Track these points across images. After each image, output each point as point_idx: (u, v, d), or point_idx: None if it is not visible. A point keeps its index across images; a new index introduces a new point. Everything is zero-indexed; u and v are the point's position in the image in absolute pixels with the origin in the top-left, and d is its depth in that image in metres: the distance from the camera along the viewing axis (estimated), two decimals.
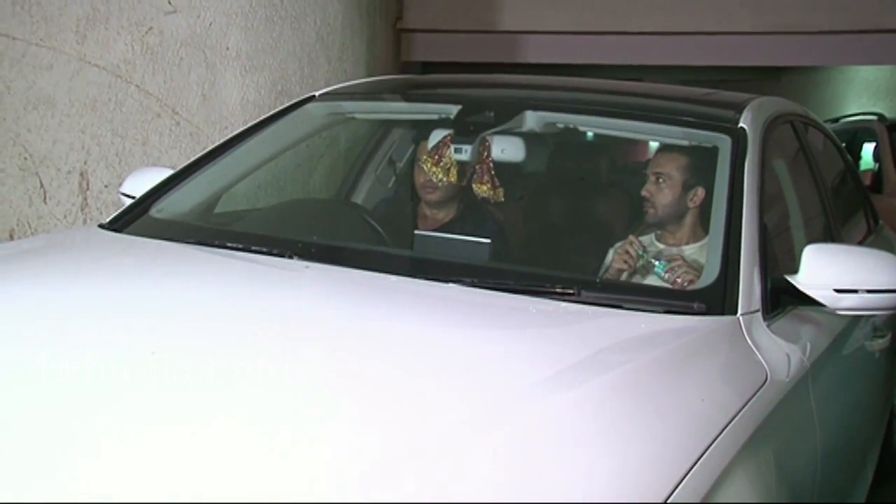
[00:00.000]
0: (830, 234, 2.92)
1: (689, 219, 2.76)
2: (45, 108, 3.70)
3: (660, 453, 1.34)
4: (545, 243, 2.80)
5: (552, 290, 1.91)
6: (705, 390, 1.60)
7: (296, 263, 2.01)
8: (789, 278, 2.08)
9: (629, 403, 1.47)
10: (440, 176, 2.75)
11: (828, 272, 2.08)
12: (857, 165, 7.37)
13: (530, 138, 2.71)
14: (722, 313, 1.90)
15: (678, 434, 1.42)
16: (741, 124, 2.44)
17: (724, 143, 2.39)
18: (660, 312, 1.87)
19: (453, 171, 2.76)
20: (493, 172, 2.71)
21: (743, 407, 1.59)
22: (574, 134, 2.81)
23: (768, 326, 1.96)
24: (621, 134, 2.76)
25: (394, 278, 1.94)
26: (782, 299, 2.09)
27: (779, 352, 1.90)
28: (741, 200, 2.17)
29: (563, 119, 2.74)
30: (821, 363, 2.08)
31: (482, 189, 2.73)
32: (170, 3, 3.90)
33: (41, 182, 3.82)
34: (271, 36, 4.25)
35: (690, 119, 2.60)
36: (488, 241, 2.35)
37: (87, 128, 3.76)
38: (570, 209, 2.95)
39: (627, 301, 1.91)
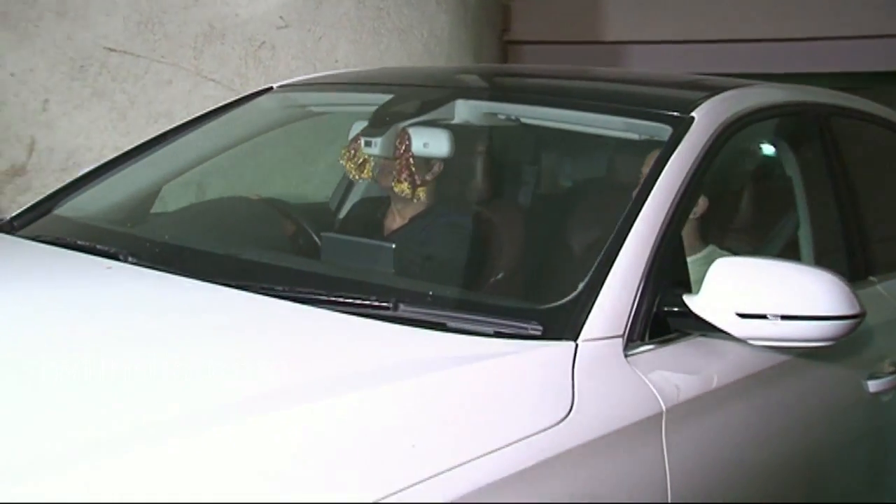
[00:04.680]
0: (854, 255, 2.44)
1: (689, 230, 2.42)
2: (165, 121, 3.77)
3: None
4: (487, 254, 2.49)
5: (366, 302, 1.66)
6: (457, 422, 1.35)
7: (116, 265, 1.86)
8: (687, 299, 1.74)
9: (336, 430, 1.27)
10: (353, 172, 2.52)
11: (732, 292, 1.72)
12: None
13: (458, 130, 2.44)
14: (560, 338, 1.58)
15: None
16: (694, 113, 2.06)
17: (664, 134, 2.03)
18: (488, 335, 1.59)
19: (367, 166, 2.52)
20: (413, 169, 2.45)
21: (508, 445, 1.33)
22: (513, 126, 2.50)
23: (631, 356, 1.61)
24: (557, 125, 2.43)
25: (190, 283, 1.74)
26: (678, 324, 1.75)
27: (624, 387, 1.57)
28: (642, 202, 1.83)
29: (497, 109, 2.44)
30: (704, 406, 1.68)
31: (400, 188, 2.47)
32: (281, 18, 4.05)
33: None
34: (378, 48, 4.34)
35: (638, 107, 2.24)
36: (391, 245, 2.11)
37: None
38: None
39: (453, 319, 1.62)
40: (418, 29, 4.63)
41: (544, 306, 1.66)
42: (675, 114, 2.08)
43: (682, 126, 2.03)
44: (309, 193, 3.30)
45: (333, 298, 1.67)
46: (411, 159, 2.41)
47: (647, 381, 1.59)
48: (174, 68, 3.87)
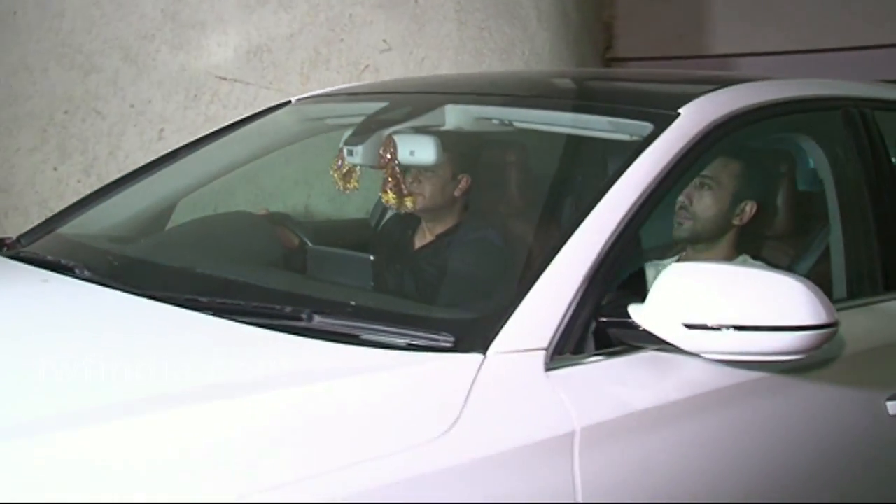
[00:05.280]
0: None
1: (728, 238, 2.26)
2: None
3: None
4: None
5: (282, 314, 1.58)
6: (326, 433, 1.29)
7: (57, 279, 1.86)
8: (631, 309, 1.58)
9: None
10: (339, 183, 2.45)
11: (680, 301, 1.55)
12: None
13: (446, 136, 2.34)
14: (470, 350, 1.45)
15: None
16: (681, 110, 1.91)
17: (644, 132, 1.88)
18: (400, 347, 1.49)
19: (354, 177, 2.45)
20: (399, 178, 2.36)
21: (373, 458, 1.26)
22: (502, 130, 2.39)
23: (554, 371, 1.47)
24: (539, 127, 2.31)
25: (120, 296, 1.72)
26: (624, 336, 1.59)
27: (532, 404, 1.42)
28: (597, 200, 1.69)
29: (485, 113, 2.34)
30: (635, 428, 1.50)
31: (387, 198, 2.39)
32: (384, 41, 4.10)
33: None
34: (480, 68, 4.35)
35: (624, 105, 2.09)
36: (368, 256, 2.04)
37: (310, 163, 3.96)
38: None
39: (367, 331, 1.53)
40: (519, 48, 4.63)
41: (458, 317, 1.55)
42: (660, 111, 1.93)
43: (663, 123, 1.88)
44: (325, 207, 3.27)
45: (251, 310, 1.61)
46: (397, 168, 2.33)
47: (562, 399, 1.44)
48: (282, 94, 3.84)
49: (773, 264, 2.32)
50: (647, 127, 1.88)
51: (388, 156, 2.34)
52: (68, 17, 3.66)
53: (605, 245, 1.63)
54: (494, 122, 2.33)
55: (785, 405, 1.73)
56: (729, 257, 2.26)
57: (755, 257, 2.32)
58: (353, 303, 1.65)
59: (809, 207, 2.40)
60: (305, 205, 2.99)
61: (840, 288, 2.18)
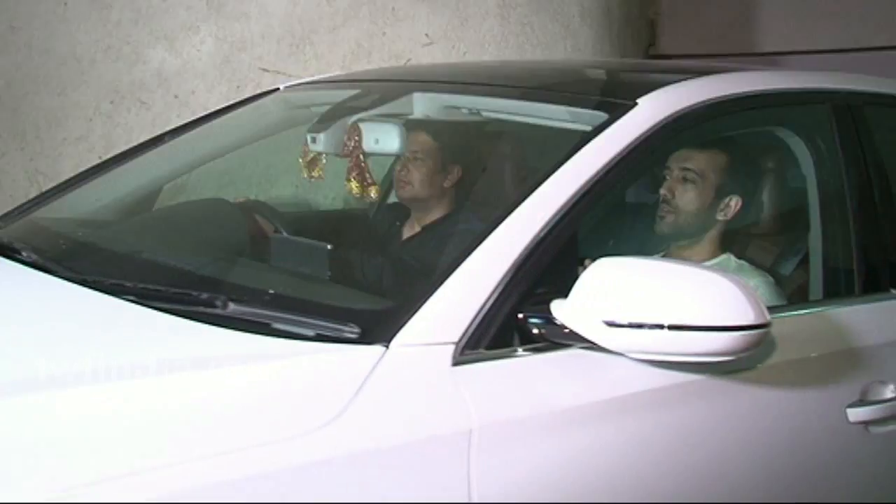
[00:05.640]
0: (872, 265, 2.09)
1: (711, 234, 2.19)
2: None
3: None
4: None
5: (198, 300, 1.56)
6: (206, 420, 1.26)
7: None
8: (554, 305, 1.51)
9: None
10: (304, 171, 2.42)
11: (603, 297, 1.48)
12: None
13: (438, 126, 2.30)
14: (374, 342, 1.41)
15: None
16: (640, 100, 1.84)
17: (597, 121, 1.82)
18: (309, 338, 1.45)
19: (319, 165, 2.41)
20: (363, 166, 2.31)
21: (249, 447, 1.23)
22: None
23: (462, 366, 1.41)
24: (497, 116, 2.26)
25: (47, 281, 1.71)
26: (548, 333, 1.52)
27: (430, 399, 1.37)
28: (530, 192, 1.63)
29: (453, 102, 2.29)
30: (542, 428, 1.43)
31: (350, 187, 2.35)
32: (427, 35, 4.15)
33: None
34: None
35: (583, 95, 2.04)
36: (327, 246, 2.00)
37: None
38: None
39: (279, 320, 1.49)
40: (562, 43, 4.63)
41: (366, 308, 1.51)
42: (617, 100, 1.86)
43: (618, 113, 1.81)
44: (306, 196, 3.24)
45: (170, 296, 1.59)
46: (362, 156, 2.29)
47: (463, 395, 1.39)
48: None
49: (759, 263, 2.24)
50: (603, 117, 1.82)
51: (352, 144, 2.30)
52: (116, 8, 3.72)
53: (534, 238, 1.57)
54: (463, 111, 2.28)
55: (723, 411, 1.64)
56: (713, 255, 2.18)
57: (740, 256, 2.23)
58: (271, 291, 1.61)
59: (793, 205, 2.31)
60: (294, 194, 2.97)
61: (816, 289, 2.09)
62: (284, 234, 2.44)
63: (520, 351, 1.51)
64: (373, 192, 2.37)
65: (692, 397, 1.60)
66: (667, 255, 2.18)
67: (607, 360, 1.52)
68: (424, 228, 2.48)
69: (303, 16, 3.99)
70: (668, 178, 2.15)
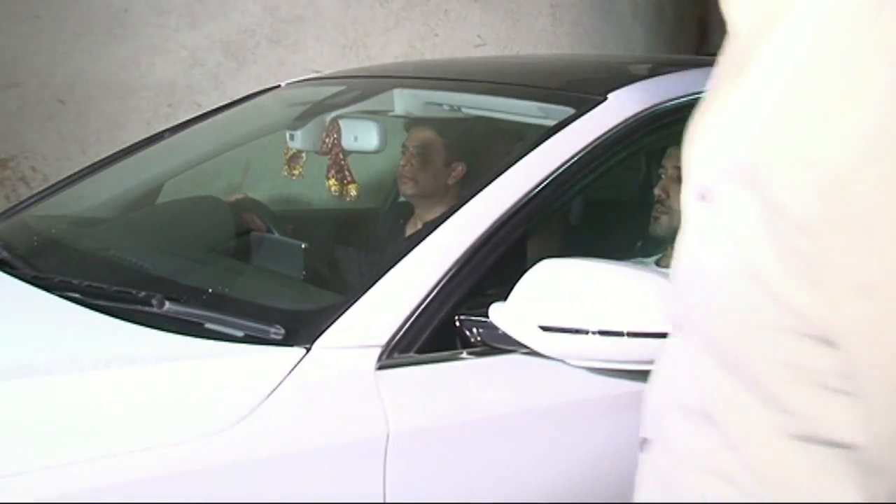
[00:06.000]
0: None
1: None
2: None
3: None
4: None
5: (135, 299, 1.54)
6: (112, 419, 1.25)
7: None
8: (492, 308, 1.46)
9: None
10: (286, 170, 2.40)
11: (540, 300, 1.42)
12: None
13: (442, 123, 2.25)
14: (296, 344, 1.37)
15: None
16: (610, 95, 1.77)
17: (563, 116, 1.75)
18: (237, 339, 1.43)
19: (300, 163, 2.38)
20: (343, 164, 2.28)
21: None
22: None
23: (386, 370, 1.36)
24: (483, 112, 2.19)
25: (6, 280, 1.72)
26: (486, 337, 1.47)
27: (347, 403, 1.33)
28: (478, 191, 1.58)
29: (432, 98, 2.24)
30: (465, 436, 1.37)
31: (330, 185, 2.31)
32: (479, 36, 4.21)
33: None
34: None
35: (553, 90, 1.97)
36: (302, 245, 1.99)
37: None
38: None
39: (211, 320, 1.47)
40: (614, 43, 4.60)
41: (292, 309, 1.48)
42: (586, 95, 1.79)
43: (584, 109, 1.74)
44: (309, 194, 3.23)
45: (110, 294, 1.58)
46: (341, 154, 2.26)
47: (380, 400, 1.34)
48: None
49: None
50: (569, 111, 1.75)
51: (331, 141, 2.27)
52: (174, 13, 3.79)
53: (480, 238, 1.51)
54: (445, 107, 2.24)
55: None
56: None
57: None
58: (209, 290, 1.60)
59: None
60: (299, 192, 2.96)
61: None
62: (276, 232, 2.43)
63: (459, 355, 1.45)
64: (352, 191, 2.34)
65: (627, 410, 1.51)
66: (665, 258, 2.08)
67: (545, 367, 1.45)
68: (426, 226, 2.43)
69: (356, 18, 4.02)
70: (662, 177, 2.06)
